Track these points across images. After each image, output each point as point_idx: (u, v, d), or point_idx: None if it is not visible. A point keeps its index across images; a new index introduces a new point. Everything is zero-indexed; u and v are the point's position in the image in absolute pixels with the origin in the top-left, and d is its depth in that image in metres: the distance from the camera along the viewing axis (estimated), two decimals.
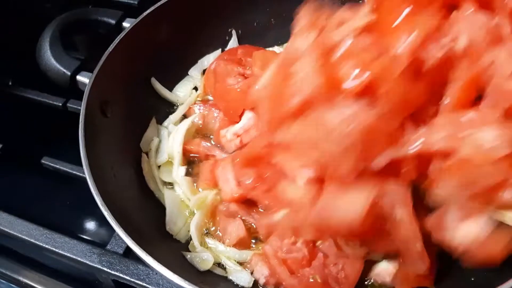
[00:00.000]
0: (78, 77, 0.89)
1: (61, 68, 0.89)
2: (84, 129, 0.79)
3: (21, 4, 1.19)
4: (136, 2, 1.35)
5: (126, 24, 0.99)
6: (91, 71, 0.88)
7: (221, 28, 1.11)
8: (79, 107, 1.03)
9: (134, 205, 0.85)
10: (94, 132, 0.82)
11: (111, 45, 0.90)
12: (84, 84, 0.88)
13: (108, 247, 0.88)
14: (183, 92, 1.06)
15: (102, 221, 1.00)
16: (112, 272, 0.83)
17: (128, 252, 0.87)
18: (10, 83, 1.20)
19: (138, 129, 0.97)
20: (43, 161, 1.03)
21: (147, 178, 0.93)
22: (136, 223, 0.79)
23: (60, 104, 1.10)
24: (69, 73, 0.88)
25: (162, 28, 1.02)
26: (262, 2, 1.10)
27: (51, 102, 1.12)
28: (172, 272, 0.64)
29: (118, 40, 0.91)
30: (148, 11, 0.98)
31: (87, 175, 0.73)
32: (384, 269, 0.76)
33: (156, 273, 0.82)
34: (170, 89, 1.06)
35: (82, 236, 0.99)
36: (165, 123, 1.02)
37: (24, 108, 1.17)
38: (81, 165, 0.98)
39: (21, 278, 0.94)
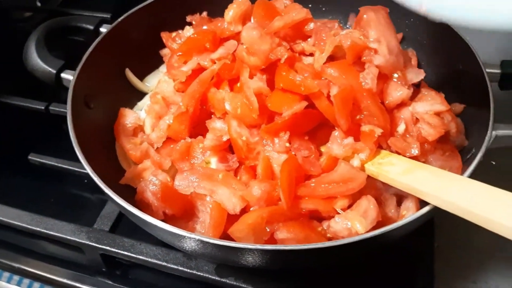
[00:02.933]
0: (63, 75, 1.00)
1: (47, 67, 0.99)
2: (72, 120, 0.89)
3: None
4: (109, 16, 1.48)
5: (103, 29, 1.11)
6: (74, 69, 0.99)
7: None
8: (62, 109, 1.15)
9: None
10: (79, 123, 0.92)
11: (91, 46, 1.02)
12: (68, 81, 0.98)
13: (95, 226, 0.97)
14: (152, 82, 1.19)
15: (87, 208, 1.10)
16: (100, 246, 0.93)
17: (114, 228, 0.98)
18: None
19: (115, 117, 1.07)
20: (30, 157, 1.13)
21: (120, 159, 1.02)
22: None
23: (43, 108, 1.19)
24: (54, 71, 0.99)
25: (134, 30, 1.15)
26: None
27: (34, 106, 1.21)
28: None
29: (97, 41, 1.03)
30: (122, 17, 1.11)
31: (79, 154, 0.84)
32: None
33: (140, 244, 0.93)
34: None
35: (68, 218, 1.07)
36: (134, 108, 1.13)
37: (8, 114, 1.25)
38: (66, 158, 1.09)
39: (16, 264, 1.01)
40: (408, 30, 1.15)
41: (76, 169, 1.09)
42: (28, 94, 1.23)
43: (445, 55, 1.05)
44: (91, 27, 1.09)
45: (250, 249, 0.68)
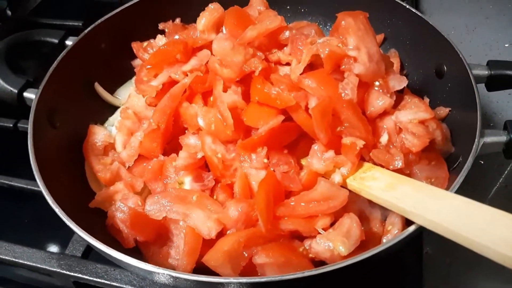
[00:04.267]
0: (25, 94, 0.94)
1: (8, 87, 0.93)
2: (33, 142, 0.83)
3: None
4: (80, 24, 1.42)
5: (69, 42, 1.05)
6: (38, 88, 0.93)
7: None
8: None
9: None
10: (43, 143, 0.86)
11: (56, 60, 0.96)
12: (32, 100, 0.92)
13: (67, 251, 0.91)
14: (123, 95, 1.13)
15: (59, 231, 1.04)
16: (72, 274, 0.87)
17: (87, 254, 0.92)
18: None
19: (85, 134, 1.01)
20: None
21: (89, 180, 0.96)
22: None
23: (11, 125, 1.13)
24: (16, 91, 0.92)
25: (103, 41, 1.09)
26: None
27: (1, 124, 1.15)
28: None
29: (61, 56, 0.97)
30: (89, 28, 1.04)
31: (41, 186, 0.78)
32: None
33: (114, 269, 0.88)
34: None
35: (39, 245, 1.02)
36: (105, 124, 1.08)
37: None
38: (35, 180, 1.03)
39: None
40: (390, 30, 1.10)
41: (30, 187, 1.01)
42: None
43: (428, 55, 1.00)
44: (56, 41, 1.03)
45: (226, 283, 0.63)
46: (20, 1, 1.64)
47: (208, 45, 0.98)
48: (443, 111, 0.91)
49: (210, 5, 1.01)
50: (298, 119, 0.79)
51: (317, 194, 0.75)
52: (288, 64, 0.88)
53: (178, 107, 0.89)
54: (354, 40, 0.78)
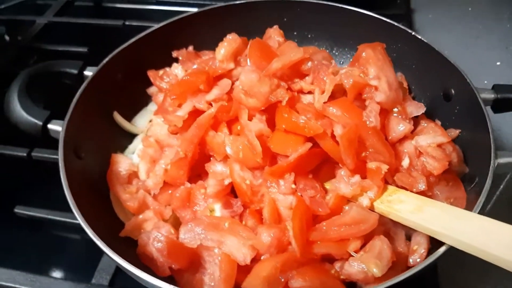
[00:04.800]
0: (50, 126, 0.94)
1: (32, 119, 0.94)
2: (66, 174, 0.84)
3: None
4: (86, 50, 1.44)
5: (87, 73, 1.07)
6: (60, 119, 0.95)
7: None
8: (45, 155, 1.10)
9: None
10: (72, 175, 0.87)
11: (77, 92, 0.97)
12: (56, 132, 0.93)
13: (93, 281, 0.92)
14: (140, 123, 1.15)
15: (82, 262, 1.04)
16: None
17: (113, 282, 0.93)
18: None
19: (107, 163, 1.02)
20: (16, 210, 1.06)
21: (116, 210, 0.97)
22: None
23: (25, 154, 1.12)
24: (40, 123, 0.93)
25: (119, 71, 1.11)
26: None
27: (15, 153, 1.14)
28: None
29: (83, 87, 0.99)
30: (107, 59, 1.07)
31: (78, 216, 0.79)
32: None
33: None
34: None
35: (62, 274, 1.02)
36: (125, 152, 1.09)
37: None
38: (54, 209, 1.04)
39: None
40: (396, 54, 1.16)
41: (68, 219, 1.02)
42: (7, 141, 1.17)
43: (435, 79, 1.06)
44: (75, 71, 1.05)
45: None
46: (19, 27, 1.65)
47: (227, 74, 1.02)
48: (454, 132, 0.96)
49: (228, 35, 1.05)
50: (325, 146, 0.82)
51: (348, 218, 0.78)
52: (310, 92, 0.92)
53: (204, 136, 0.92)
54: (374, 70, 0.83)
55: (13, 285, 0.91)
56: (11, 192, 1.16)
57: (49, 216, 1.04)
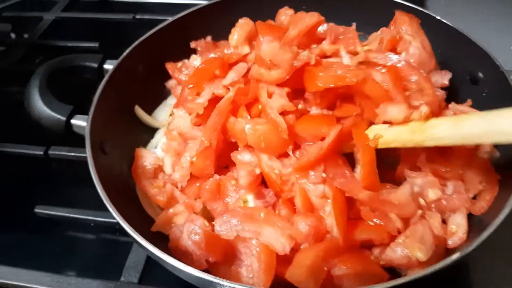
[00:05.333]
0: (73, 121, 0.93)
1: (56, 115, 0.91)
2: (96, 170, 0.82)
3: None
4: (97, 45, 1.41)
5: (106, 66, 1.05)
6: (83, 113, 0.93)
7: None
8: (62, 153, 1.07)
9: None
10: (101, 172, 0.85)
11: (100, 86, 0.95)
12: (80, 127, 0.91)
13: (122, 278, 0.90)
14: (160, 117, 1.13)
15: (108, 260, 1.00)
16: None
17: (143, 279, 0.91)
18: None
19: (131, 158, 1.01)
20: (36, 210, 1.03)
21: (144, 204, 0.95)
22: None
23: (42, 153, 1.10)
24: (64, 118, 0.91)
25: (139, 64, 1.09)
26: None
27: (32, 152, 1.12)
28: None
29: (105, 81, 0.97)
30: (126, 52, 1.04)
31: (113, 212, 0.77)
32: None
33: None
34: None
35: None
36: (148, 147, 1.07)
37: (6, 162, 1.16)
38: (74, 207, 1.01)
39: None
40: None
41: (90, 217, 1.00)
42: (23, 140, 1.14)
43: (461, 63, 1.04)
44: (95, 65, 1.02)
45: None
46: (26, 24, 1.62)
47: (242, 59, 1.00)
48: None
49: (240, 20, 1.04)
50: (371, 89, 0.80)
51: (393, 197, 0.77)
52: (329, 56, 0.92)
53: (225, 122, 0.90)
54: (410, 30, 0.86)
55: (39, 286, 0.89)
56: (30, 192, 1.13)
57: (70, 215, 1.02)
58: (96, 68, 1.03)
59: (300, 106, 0.89)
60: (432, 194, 0.81)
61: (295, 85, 0.89)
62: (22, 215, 1.06)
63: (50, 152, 1.10)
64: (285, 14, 1.08)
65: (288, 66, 0.86)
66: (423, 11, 1.08)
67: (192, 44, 1.12)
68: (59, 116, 0.91)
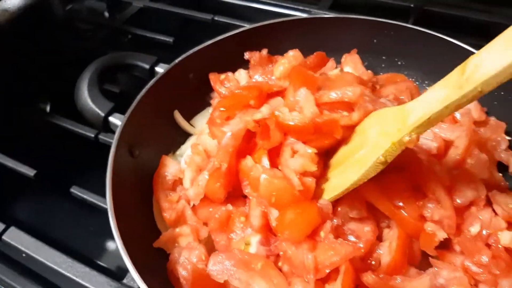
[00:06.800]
0: (111, 119, 0.95)
1: (96, 109, 0.94)
2: (112, 169, 0.83)
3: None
4: (171, 40, 1.43)
5: (158, 69, 1.05)
6: (123, 113, 0.94)
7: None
8: (110, 140, 1.11)
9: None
10: (120, 171, 0.86)
11: (143, 90, 0.96)
12: (115, 125, 0.93)
13: (125, 281, 0.91)
14: (199, 124, 1.11)
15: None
16: None
17: None
18: (47, 111, 1.26)
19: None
20: (72, 190, 1.08)
21: (155, 213, 0.95)
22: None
23: (93, 136, 1.13)
24: (103, 114, 0.94)
25: (190, 71, 1.08)
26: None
27: (84, 132, 1.16)
28: None
29: (151, 84, 0.97)
30: (181, 58, 1.04)
31: (111, 219, 0.77)
32: None
33: None
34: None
35: (101, 263, 1.02)
36: (177, 152, 1.07)
37: (58, 136, 1.21)
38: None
39: None
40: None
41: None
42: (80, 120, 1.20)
43: None
44: (147, 66, 1.03)
45: None
46: (118, 6, 1.70)
47: (282, 92, 0.95)
48: None
49: (289, 51, 0.98)
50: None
51: None
52: None
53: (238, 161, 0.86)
54: None
55: (51, 265, 0.91)
56: (73, 170, 1.18)
57: (99, 203, 1.05)
58: (148, 69, 1.04)
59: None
60: None
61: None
62: (61, 191, 1.12)
63: (100, 136, 1.13)
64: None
65: (311, 115, 0.80)
66: None
67: (247, 55, 1.09)
68: (99, 111, 0.94)
